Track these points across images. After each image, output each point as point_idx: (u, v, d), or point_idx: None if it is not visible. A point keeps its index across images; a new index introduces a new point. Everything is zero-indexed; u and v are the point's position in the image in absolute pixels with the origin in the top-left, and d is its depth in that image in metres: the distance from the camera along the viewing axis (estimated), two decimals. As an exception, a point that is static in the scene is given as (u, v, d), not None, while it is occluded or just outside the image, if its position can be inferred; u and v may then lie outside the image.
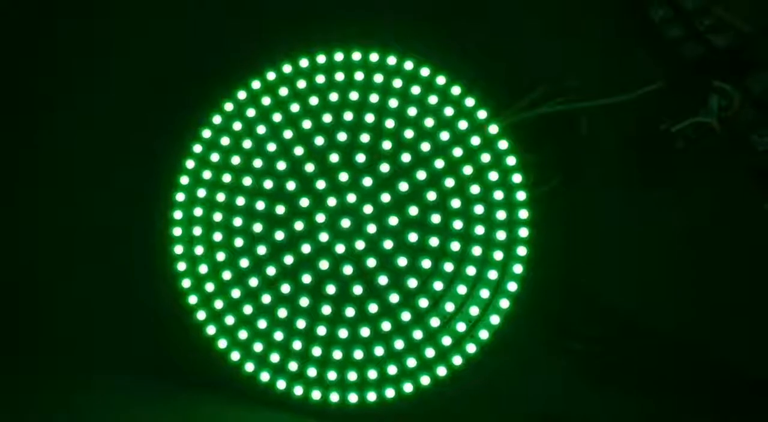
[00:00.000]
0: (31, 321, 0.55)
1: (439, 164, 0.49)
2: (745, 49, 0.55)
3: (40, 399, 0.51)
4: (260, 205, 0.50)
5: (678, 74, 0.55)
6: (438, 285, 0.48)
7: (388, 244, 0.48)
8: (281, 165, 0.50)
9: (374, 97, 0.50)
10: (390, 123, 0.50)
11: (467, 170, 0.49)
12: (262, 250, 0.50)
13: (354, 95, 0.51)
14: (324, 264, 0.49)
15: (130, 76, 0.59)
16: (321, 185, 0.49)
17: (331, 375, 0.48)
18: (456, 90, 0.50)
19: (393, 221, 0.48)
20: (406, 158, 0.49)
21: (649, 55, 0.57)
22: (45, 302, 0.56)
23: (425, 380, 0.47)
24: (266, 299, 0.49)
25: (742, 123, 0.54)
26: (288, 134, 0.51)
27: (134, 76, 0.59)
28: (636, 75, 0.53)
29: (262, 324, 0.49)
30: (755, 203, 0.53)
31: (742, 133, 0.54)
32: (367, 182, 0.49)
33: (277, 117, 0.51)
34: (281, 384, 0.49)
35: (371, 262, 0.48)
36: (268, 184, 0.50)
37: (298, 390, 0.48)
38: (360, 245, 0.48)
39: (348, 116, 0.50)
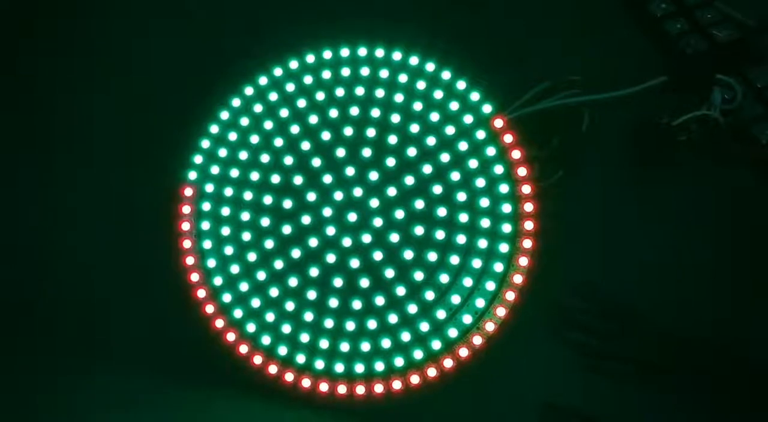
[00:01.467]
0: (43, 319, 0.55)
1: (445, 157, 0.49)
2: (748, 43, 0.56)
3: (50, 397, 0.52)
4: (268, 199, 0.51)
5: (681, 68, 0.55)
6: (444, 278, 0.48)
7: (394, 237, 0.49)
8: (288, 160, 0.51)
9: (380, 93, 0.51)
10: (396, 118, 0.50)
11: (473, 163, 0.49)
12: (269, 244, 0.50)
13: (360, 91, 0.51)
14: (331, 258, 0.49)
15: (138, 74, 0.59)
16: (328, 179, 0.50)
17: (339, 367, 0.49)
18: (461, 85, 0.51)
19: (399, 214, 0.49)
20: (412, 152, 0.50)
21: (652, 50, 0.57)
22: (49, 300, 0.56)
23: (431, 371, 0.48)
24: (274, 292, 0.50)
25: (745, 116, 0.54)
26: (295, 129, 0.51)
27: (142, 73, 0.59)
28: (639, 69, 0.54)
29: (270, 317, 0.50)
30: (758, 194, 0.54)
31: (745, 125, 0.54)
32: (374, 176, 0.49)
33: (284, 112, 0.52)
34: (289, 376, 0.49)
35: (378, 255, 0.49)
36: (275, 178, 0.51)
37: (307, 382, 0.49)
38: (367, 238, 0.49)
39: (354, 111, 0.51)
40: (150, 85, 0.59)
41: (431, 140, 0.50)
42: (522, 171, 0.49)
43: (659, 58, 0.57)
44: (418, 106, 0.50)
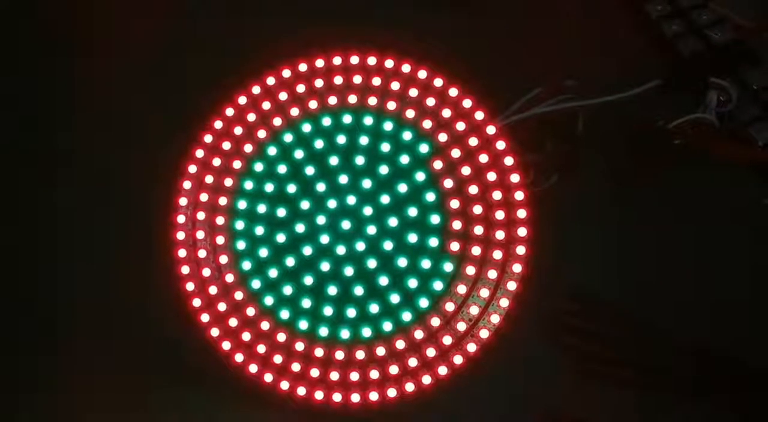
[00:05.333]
0: (43, 320, 0.56)
1: (438, 165, 0.49)
2: (744, 44, 0.55)
3: (57, 398, 0.52)
4: (261, 208, 0.51)
5: (676, 70, 0.55)
6: (438, 285, 0.48)
7: (388, 245, 0.49)
8: (282, 169, 0.51)
9: (372, 100, 0.51)
10: (388, 125, 0.50)
11: (465, 170, 0.49)
12: (264, 252, 0.50)
13: (353, 98, 0.51)
14: (325, 266, 0.49)
15: (130, 81, 0.59)
16: (321, 187, 0.50)
17: (334, 376, 0.49)
18: (454, 92, 0.51)
19: (393, 222, 0.49)
20: (404, 159, 0.50)
21: (647, 52, 0.57)
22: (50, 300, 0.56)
23: (426, 379, 0.48)
24: (269, 301, 0.50)
25: (741, 117, 0.54)
26: (288, 138, 0.51)
27: (134, 80, 0.59)
28: (634, 72, 0.53)
29: (265, 325, 0.50)
30: (754, 198, 0.53)
31: (741, 127, 0.54)
32: (367, 184, 0.49)
33: (277, 121, 0.52)
34: (284, 385, 0.49)
35: (372, 263, 0.49)
36: (269, 187, 0.51)
37: (301, 391, 0.49)
38: (360, 246, 0.49)
39: (347, 118, 0.51)
40: (145, 92, 0.59)
41: (424, 148, 0.49)
42: (515, 177, 0.49)
43: (655, 61, 0.56)
44: (410, 113, 0.50)
